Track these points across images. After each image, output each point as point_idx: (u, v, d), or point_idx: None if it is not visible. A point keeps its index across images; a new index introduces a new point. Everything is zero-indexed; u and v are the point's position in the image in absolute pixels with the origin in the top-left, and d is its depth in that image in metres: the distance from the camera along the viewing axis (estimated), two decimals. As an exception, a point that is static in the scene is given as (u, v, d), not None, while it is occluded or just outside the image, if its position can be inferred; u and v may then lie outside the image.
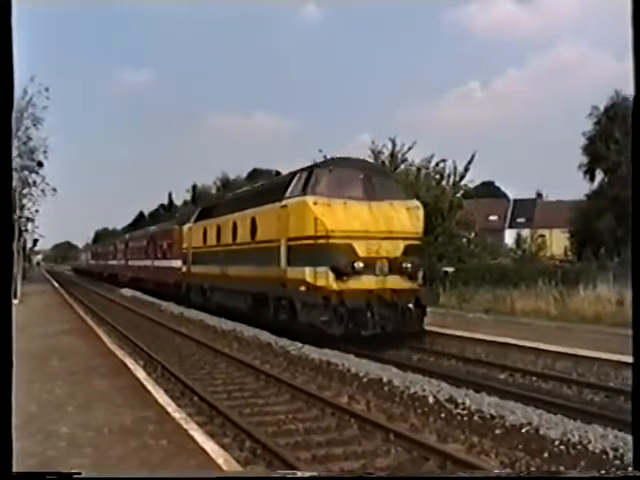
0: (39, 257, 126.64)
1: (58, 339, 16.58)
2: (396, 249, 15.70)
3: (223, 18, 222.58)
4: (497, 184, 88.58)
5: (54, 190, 42.02)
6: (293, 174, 17.78)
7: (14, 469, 3.40)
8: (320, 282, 15.09)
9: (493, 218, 67.40)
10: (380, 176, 17.72)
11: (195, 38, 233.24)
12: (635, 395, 3.47)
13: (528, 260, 34.29)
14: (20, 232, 39.84)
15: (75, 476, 3.57)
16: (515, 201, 76.05)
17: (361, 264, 15.11)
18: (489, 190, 77.64)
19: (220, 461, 6.38)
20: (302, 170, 17.45)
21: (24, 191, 40.18)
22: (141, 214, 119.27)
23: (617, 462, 6.95)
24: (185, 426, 7.80)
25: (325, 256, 15.16)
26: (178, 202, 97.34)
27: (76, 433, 7.55)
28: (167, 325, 21.62)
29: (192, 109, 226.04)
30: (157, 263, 36.41)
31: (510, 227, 66.65)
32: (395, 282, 15.58)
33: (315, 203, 15.46)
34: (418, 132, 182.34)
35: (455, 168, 32.69)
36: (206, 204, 30.06)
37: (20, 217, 38.96)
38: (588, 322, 19.11)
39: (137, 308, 29.12)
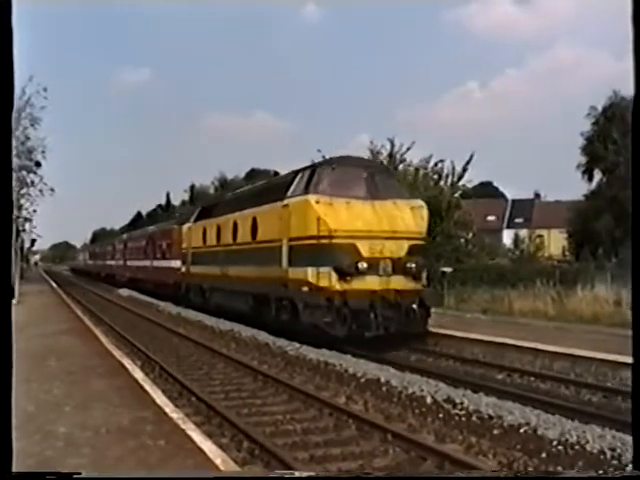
0: (37, 257, 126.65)
1: (56, 339, 16.55)
2: (400, 249, 15.54)
3: (223, 18, 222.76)
4: (495, 184, 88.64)
5: (52, 190, 42.00)
6: (295, 173, 17.58)
7: (13, 469, 3.39)
8: (323, 283, 14.92)
9: (491, 218, 67.48)
10: (383, 175, 17.53)
11: (194, 38, 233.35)
12: (635, 395, 3.47)
13: (526, 260, 34.35)
14: (18, 232, 39.76)
15: (75, 476, 3.56)
16: (513, 201, 76.14)
17: (365, 264, 14.93)
18: (487, 190, 77.67)
19: (218, 461, 6.37)
20: (304, 169, 17.30)
21: (22, 191, 40.11)
22: (139, 214, 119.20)
23: (615, 462, 6.95)
24: (183, 426, 7.79)
25: (328, 256, 15.00)
26: (176, 202, 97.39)
27: (74, 433, 7.54)
28: (165, 325, 21.60)
29: (191, 109, 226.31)
30: (156, 263, 36.28)
31: (508, 227, 66.73)
32: (399, 282, 15.42)
33: (318, 202, 15.29)
34: (417, 132, 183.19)
35: (453, 168, 32.70)
36: (206, 203, 29.91)
37: (18, 217, 38.93)
38: (586, 322, 19.13)
39: (135, 308, 29.11)
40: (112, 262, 55.39)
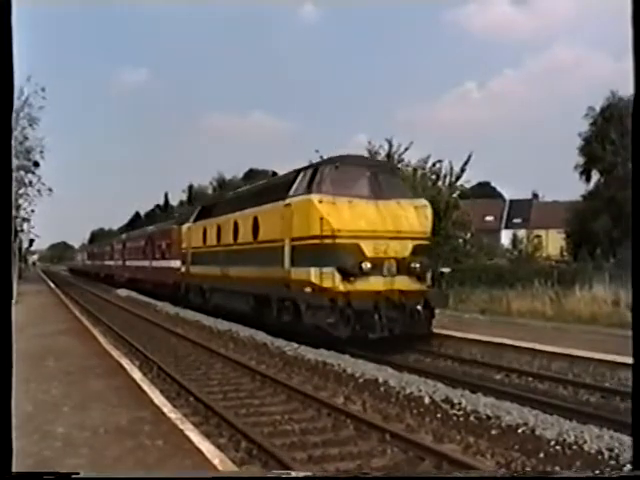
0: (35, 257, 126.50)
1: (54, 339, 16.54)
2: (404, 249, 15.38)
3: (222, 18, 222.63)
4: (493, 184, 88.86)
5: (50, 190, 41.99)
6: (297, 172, 17.35)
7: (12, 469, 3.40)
8: (326, 283, 14.72)
9: (489, 218, 67.54)
10: (387, 174, 17.25)
11: (193, 38, 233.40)
12: (635, 395, 3.48)
13: (524, 261, 34.32)
14: (16, 232, 39.72)
15: (73, 476, 3.56)
16: (511, 202, 76.20)
17: (369, 264, 14.74)
18: (485, 190, 77.80)
19: (216, 461, 6.37)
20: (306, 168, 17.16)
21: (20, 191, 40.10)
22: (137, 214, 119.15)
23: (612, 462, 6.96)
24: (181, 426, 7.79)
25: (331, 256, 14.81)
26: (174, 202, 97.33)
27: (72, 433, 7.54)
28: (163, 325, 21.58)
29: (189, 109, 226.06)
30: (155, 263, 36.13)
31: (506, 227, 66.79)
32: (403, 283, 15.25)
33: (321, 202, 15.09)
34: (416, 132, 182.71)
35: (451, 168, 32.70)
36: (206, 203, 29.76)
37: (16, 217, 38.88)
38: (584, 322, 19.14)
39: (133, 308, 29.09)
40: (111, 262, 55.32)
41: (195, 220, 26.95)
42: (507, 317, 21.60)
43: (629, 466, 6.68)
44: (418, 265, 15.36)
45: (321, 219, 14.84)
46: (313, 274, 14.93)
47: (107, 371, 11.84)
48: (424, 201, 16.98)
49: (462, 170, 32.73)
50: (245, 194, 23.17)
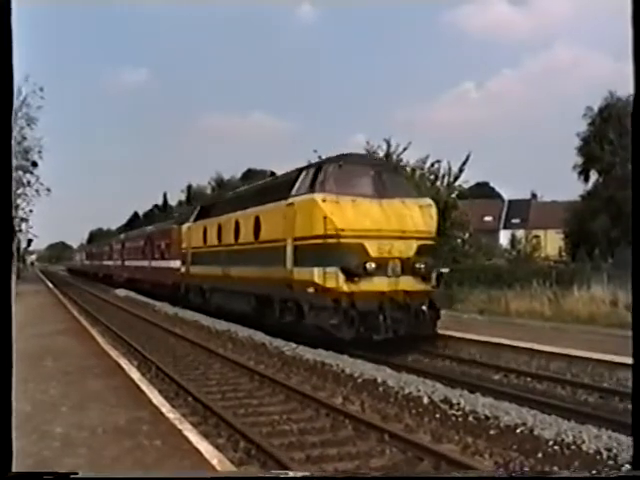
0: (33, 257, 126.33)
1: (52, 339, 16.54)
2: (409, 249, 15.21)
3: (221, 18, 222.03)
4: (492, 185, 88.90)
5: (48, 190, 41.98)
6: (300, 170, 17.17)
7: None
8: (330, 283, 14.52)
9: (488, 219, 67.54)
10: (391, 173, 17.08)
11: (192, 38, 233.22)
12: (635, 396, 3.48)
13: (523, 261, 34.27)
14: (14, 232, 39.72)
15: (72, 476, 3.56)
16: (510, 202, 76.23)
17: (373, 265, 14.54)
18: (484, 191, 77.83)
19: (214, 462, 6.37)
20: (309, 166, 17.03)
21: (18, 191, 40.07)
22: (136, 214, 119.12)
23: (611, 462, 6.96)
24: (179, 426, 7.79)
25: (335, 256, 14.60)
26: (173, 202, 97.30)
27: (70, 433, 7.54)
28: (161, 325, 21.58)
29: (188, 109, 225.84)
30: (154, 264, 35.97)
31: (505, 228, 66.83)
32: (408, 283, 15.07)
33: (324, 201, 14.91)
34: (414, 132, 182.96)
35: (450, 169, 32.63)
36: (206, 203, 29.60)
37: (14, 217, 38.87)
38: (582, 323, 19.16)
39: (131, 308, 29.08)
40: (110, 262, 55.26)
41: (195, 220, 26.74)
42: (505, 317, 21.62)
43: (627, 466, 6.69)
44: (423, 265, 15.20)
45: (324, 218, 14.67)
46: (316, 274, 14.73)
47: (105, 371, 11.84)
48: (429, 200, 16.82)
49: (460, 170, 32.68)
50: (246, 193, 22.95)
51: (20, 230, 46.92)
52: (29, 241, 57.10)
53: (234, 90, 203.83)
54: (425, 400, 9.83)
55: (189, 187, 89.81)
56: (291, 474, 5.24)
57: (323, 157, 23.13)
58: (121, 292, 40.76)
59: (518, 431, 8.12)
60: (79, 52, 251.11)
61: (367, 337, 14.42)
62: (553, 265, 32.61)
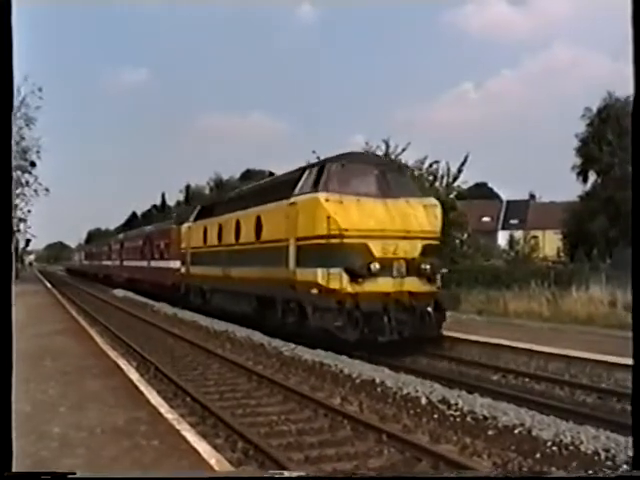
0: (31, 257, 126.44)
1: (51, 339, 16.52)
2: (414, 249, 15.01)
3: (220, 19, 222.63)
4: (490, 185, 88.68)
5: (47, 190, 42.05)
6: (302, 169, 17.00)
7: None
8: (333, 284, 14.33)
9: (486, 219, 67.51)
10: (395, 172, 16.87)
11: (191, 39, 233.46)
12: (635, 396, 3.48)
13: (521, 261, 34.29)
14: (12, 232, 39.73)
15: (69, 476, 3.56)
16: (508, 202, 76.18)
17: (377, 265, 14.34)
18: (482, 191, 77.71)
19: (212, 462, 6.37)
20: (312, 165, 16.87)
21: (16, 191, 40.14)
22: (134, 214, 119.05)
23: (609, 463, 6.97)
24: (177, 427, 7.79)
25: (339, 257, 14.41)
26: (171, 202, 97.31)
27: (69, 434, 7.53)
28: (160, 326, 21.55)
29: (187, 109, 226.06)
30: (154, 264, 35.78)
31: (503, 228, 66.81)
32: (413, 284, 14.88)
33: (327, 200, 14.70)
34: (413, 133, 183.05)
35: (448, 169, 32.68)
36: (206, 202, 29.43)
37: (12, 217, 38.86)
38: (581, 323, 19.16)
39: (130, 309, 29.05)
40: (108, 262, 55.17)
41: (195, 219, 26.56)
42: (504, 318, 21.62)
43: (625, 467, 6.69)
44: (428, 266, 15.03)
45: (328, 218, 14.47)
46: (320, 275, 14.55)
47: (104, 371, 11.83)
48: (434, 200, 16.67)
49: (459, 171, 32.73)
50: (247, 193, 22.71)
51: (18, 230, 47.01)
52: (27, 241, 57.23)
53: (233, 90, 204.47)
54: (423, 400, 9.82)
55: (187, 187, 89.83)
56: (286, 474, 5.23)
57: (322, 158, 23.13)
58: (119, 292, 40.72)
59: (516, 432, 8.12)
60: (79, 52, 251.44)
61: (372, 339, 14.26)
62: (551, 266, 32.60)
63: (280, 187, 17.74)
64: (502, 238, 54.84)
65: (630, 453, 6.78)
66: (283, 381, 12.01)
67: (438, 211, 16.14)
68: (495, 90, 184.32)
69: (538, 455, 7.49)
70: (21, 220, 45.91)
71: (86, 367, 12.26)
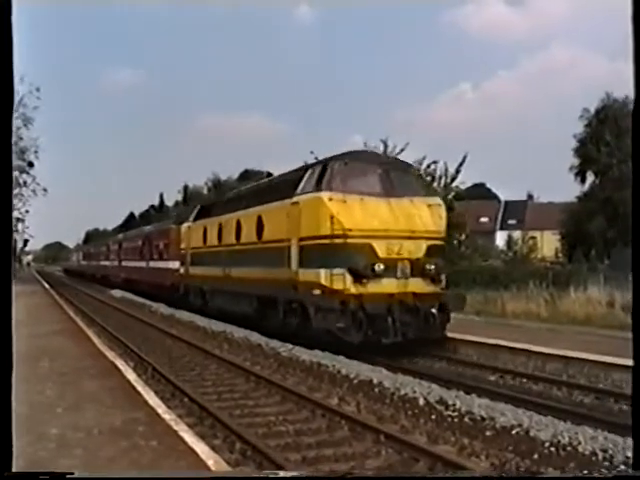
0: (29, 258, 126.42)
1: (48, 340, 16.49)
2: (418, 249, 14.86)
3: (220, 19, 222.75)
4: (488, 186, 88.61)
5: (45, 190, 41.99)
6: (305, 168, 16.85)
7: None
8: (337, 285, 14.14)
9: (484, 220, 67.59)
10: (399, 171, 16.50)
11: (190, 38, 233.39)
12: (635, 397, 3.49)
13: (519, 262, 34.35)
14: (12, 233, 39.67)
15: (68, 476, 3.55)
16: (506, 203, 76.29)
17: (381, 266, 14.17)
18: (480, 192, 77.68)
19: (210, 462, 6.36)
20: (315, 164, 16.72)
21: (15, 191, 40.06)
22: (132, 215, 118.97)
23: (606, 463, 6.97)
24: (175, 427, 7.78)
25: (342, 257, 14.23)
26: (169, 203, 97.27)
27: (66, 434, 7.52)
28: (158, 326, 21.53)
29: (187, 109, 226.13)
30: (153, 264, 35.59)
31: (501, 229, 66.88)
32: (417, 285, 14.75)
33: (331, 199, 14.49)
34: (414, 133, 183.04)
35: (446, 170, 32.76)
36: (206, 202, 29.25)
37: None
38: (579, 324, 19.16)
39: (127, 309, 29.03)
40: (107, 263, 55.08)
41: (195, 219, 26.36)
42: (502, 318, 21.61)
43: (623, 467, 6.70)
44: (433, 266, 14.88)
45: (331, 218, 14.30)
46: (323, 275, 14.35)
47: (101, 372, 11.81)
48: (438, 199, 16.55)
49: (457, 171, 32.82)
50: (248, 192, 22.47)
51: (16, 230, 46.94)
52: (25, 241, 57.18)
53: (232, 90, 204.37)
54: (421, 401, 9.83)
55: (185, 187, 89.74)
56: (281, 474, 5.22)
57: (320, 158, 23.09)
58: (117, 293, 40.69)
59: (514, 432, 8.12)
60: (78, 52, 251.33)
61: (375, 340, 14.14)
62: (549, 266, 32.68)
63: (282, 186, 17.53)
64: (500, 239, 54.88)
65: (628, 454, 6.79)
66: (281, 382, 12.00)
67: (442, 211, 16.02)
68: (493, 91, 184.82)
69: (536, 456, 7.50)
70: (19, 220, 45.87)
71: (83, 368, 12.25)
